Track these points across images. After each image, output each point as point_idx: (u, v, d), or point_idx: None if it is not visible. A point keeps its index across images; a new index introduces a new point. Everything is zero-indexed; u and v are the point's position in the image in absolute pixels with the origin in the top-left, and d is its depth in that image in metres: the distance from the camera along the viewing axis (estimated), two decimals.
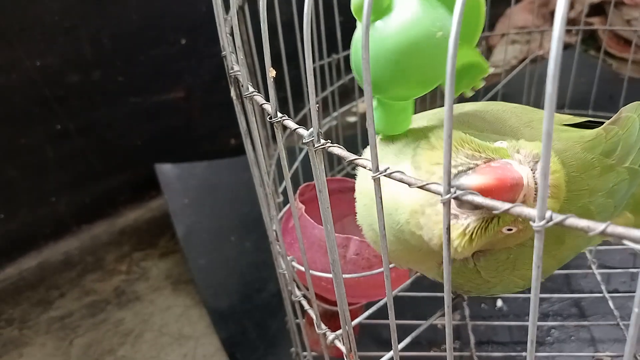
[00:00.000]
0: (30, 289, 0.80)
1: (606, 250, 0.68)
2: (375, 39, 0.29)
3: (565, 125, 0.40)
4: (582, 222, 0.21)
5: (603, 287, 0.64)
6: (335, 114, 0.82)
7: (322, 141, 0.30)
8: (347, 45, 0.78)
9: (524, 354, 0.58)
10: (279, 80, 0.65)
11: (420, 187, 0.25)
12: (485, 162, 0.27)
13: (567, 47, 1.35)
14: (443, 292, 0.59)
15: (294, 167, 0.70)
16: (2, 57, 0.75)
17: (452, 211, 0.29)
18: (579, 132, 0.37)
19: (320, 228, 0.50)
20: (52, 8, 0.77)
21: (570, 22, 1.37)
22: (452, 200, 0.29)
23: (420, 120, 0.37)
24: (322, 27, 0.73)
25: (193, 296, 0.75)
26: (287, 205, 0.58)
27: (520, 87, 1.02)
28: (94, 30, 0.81)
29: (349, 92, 0.93)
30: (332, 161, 0.84)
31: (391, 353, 0.35)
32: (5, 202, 0.82)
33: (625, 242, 0.21)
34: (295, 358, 0.59)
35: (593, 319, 0.62)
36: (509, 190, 0.26)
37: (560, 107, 1.00)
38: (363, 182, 0.37)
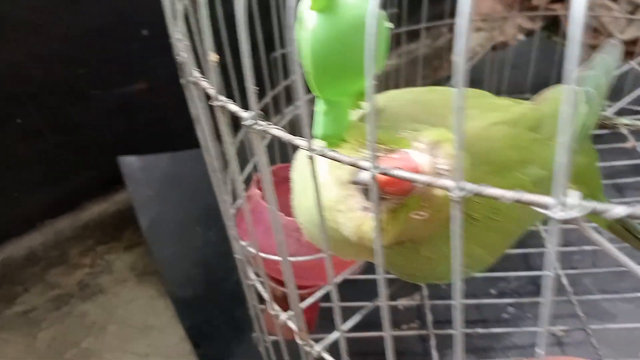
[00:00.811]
0: None
1: (562, 229, 0.70)
2: (335, 26, 0.29)
3: None
4: (496, 191, 0.22)
5: (558, 265, 0.66)
6: (299, 102, 0.82)
7: (262, 123, 0.30)
8: None
9: (479, 330, 0.60)
10: (241, 73, 0.65)
11: (351, 165, 0.26)
12: (386, 155, 0.28)
13: (530, 33, 1.38)
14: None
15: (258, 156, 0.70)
16: None
17: (363, 204, 0.30)
18: (503, 111, 0.38)
19: (277, 213, 0.51)
20: (19, 5, 0.76)
21: (534, 8, 1.39)
22: (361, 193, 0.30)
23: None
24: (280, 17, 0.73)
25: (158, 287, 0.75)
26: (246, 192, 0.59)
27: (483, 74, 1.03)
28: (52, 23, 0.80)
29: None
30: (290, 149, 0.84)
31: (337, 334, 0.36)
32: None
33: (534, 208, 0.22)
34: (256, 343, 0.59)
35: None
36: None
37: (521, 92, 1.02)
38: (296, 185, 0.38)
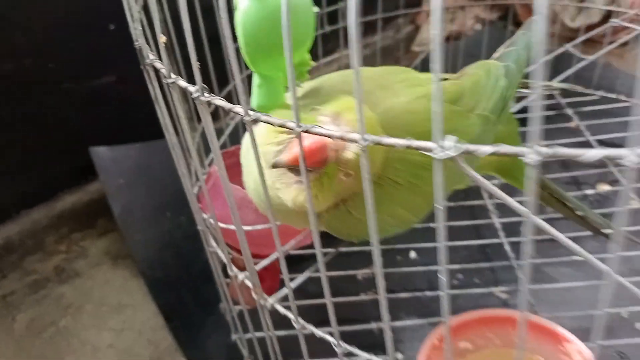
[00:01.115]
0: None
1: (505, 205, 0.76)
2: (264, 7, 0.34)
3: None
4: (392, 140, 0.27)
5: (502, 234, 0.71)
6: (235, 75, 0.86)
7: (207, 95, 0.35)
8: None
9: (427, 293, 0.65)
10: (203, 63, 0.69)
11: (280, 126, 0.30)
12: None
13: (487, 23, 1.44)
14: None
15: (221, 140, 0.74)
16: None
17: (296, 178, 0.35)
18: (425, 85, 0.42)
19: (237, 188, 0.55)
20: None
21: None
22: (290, 172, 0.35)
23: None
24: None
25: (131, 269, 0.78)
26: (207, 170, 0.63)
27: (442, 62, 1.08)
28: (25, 18, 0.83)
29: None
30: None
31: (285, 290, 0.41)
32: None
33: (423, 152, 0.26)
34: (223, 312, 0.64)
35: (494, 262, 0.70)
36: (317, 151, 0.32)
37: None
38: (243, 167, 0.43)
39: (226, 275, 0.58)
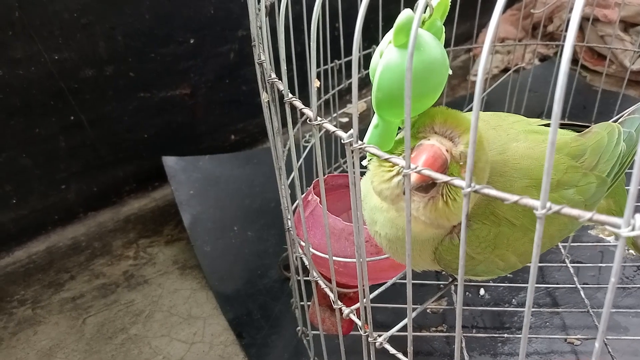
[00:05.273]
0: (40, 272, 0.84)
1: (578, 246, 0.76)
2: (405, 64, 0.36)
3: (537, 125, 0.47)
4: (573, 211, 0.28)
5: (576, 279, 0.71)
6: (335, 114, 0.88)
7: (359, 142, 0.36)
8: (348, 52, 0.85)
9: (505, 335, 0.65)
10: (290, 79, 0.71)
11: (446, 183, 0.31)
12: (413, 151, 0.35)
13: (545, 59, 1.44)
14: (431, 281, 0.67)
15: (299, 163, 0.76)
16: (23, 51, 0.79)
17: (428, 195, 0.36)
18: (543, 135, 0.43)
19: (333, 217, 0.56)
20: (70, 5, 0.81)
21: (549, 35, 1.46)
22: (418, 193, 0.37)
23: None
24: (327, 35, 0.79)
25: (199, 280, 0.80)
26: (302, 196, 0.64)
27: (502, 95, 1.09)
28: (108, 28, 0.86)
29: (343, 95, 0.99)
30: (331, 159, 0.90)
31: (405, 321, 0.41)
32: (17, 188, 0.86)
33: (607, 227, 0.27)
34: (300, 336, 0.65)
35: (565, 307, 0.70)
36: (435, 159, 0.34)
37: (538, 115, 1.08)
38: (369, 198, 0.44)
39: (302, 296, 0.59)
